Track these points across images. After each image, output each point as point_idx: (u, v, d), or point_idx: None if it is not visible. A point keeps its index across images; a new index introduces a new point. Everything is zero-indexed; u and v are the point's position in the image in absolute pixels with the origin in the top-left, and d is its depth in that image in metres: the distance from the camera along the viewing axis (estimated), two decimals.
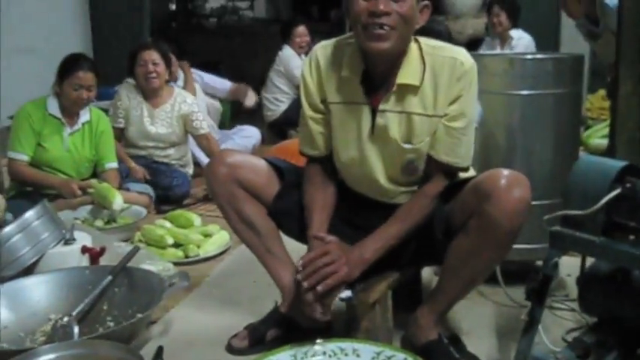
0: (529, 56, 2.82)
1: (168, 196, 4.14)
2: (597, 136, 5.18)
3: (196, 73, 5.22)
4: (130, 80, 4.43)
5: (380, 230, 2.10)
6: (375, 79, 2.10)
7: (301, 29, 6.09)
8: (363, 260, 2.06)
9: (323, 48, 2.20)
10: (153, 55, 4.28)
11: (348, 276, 2.03)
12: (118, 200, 3.48)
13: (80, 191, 3.56)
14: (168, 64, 4.38)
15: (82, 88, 3.65)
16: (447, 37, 5.92)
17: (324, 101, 2.19)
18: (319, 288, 1.98)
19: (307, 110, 2.22)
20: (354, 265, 2.04)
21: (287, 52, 6.04)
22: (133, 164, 4.15)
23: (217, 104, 5.44)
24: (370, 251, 2.07)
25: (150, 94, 4.34)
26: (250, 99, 5.42)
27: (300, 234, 2.26)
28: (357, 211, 2.25)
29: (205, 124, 4.46)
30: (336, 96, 2.16)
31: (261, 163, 2.30)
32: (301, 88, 2.23)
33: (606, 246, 1.78)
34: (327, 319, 2.09)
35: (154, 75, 4.27)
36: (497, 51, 5.69)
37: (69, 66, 3.68)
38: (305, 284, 2.00)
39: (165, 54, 4.37)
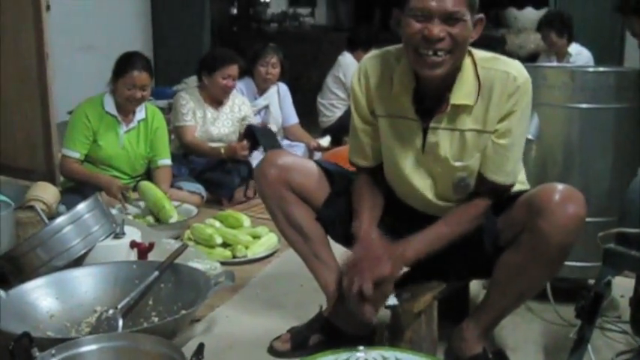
0: (590, 69, 2.76)
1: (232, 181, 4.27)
2: None
3: (281, 86, 5.17)
4: (189, 82, 4.48)
5: (426, 231, 2.06)
6: (427, 96, 2.05)
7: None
8: (405, 258, 2.02)
9: (372, 59, 2.15)
10: (235, 70, 4.43)
11: (390, 273, 1.97)
12: (175, 216, 3.51)
13: (120, 195, 3.61)
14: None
15: (135, 87, 3.68)
16: (502, 42, 5.82)
17: (372, 113, 2.16)
18: (363, 285, 1.93)
19: (357, 121, 2.19)
20: (395, 262, 1.99)
21: (348, 60, 5.98)
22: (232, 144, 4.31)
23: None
24: (413, 250, 2.03)
25: (215, 100, 4.47)
26: (325, 141, 5.35)
27: (348, 240, 2.23)
28: (405, 223, 2.20)
29: None
30: (386, 110, 2.12)
31: (311, 166, 2.28)
32: (351, 99, 2.20)
33: None
34: (373, 321, 2.06)
35: (232, 90, 4.47)
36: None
37: (124, 65, 3.72)
38: (347, 282, 1.97)
39: (242, 68, 4.54)
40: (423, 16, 1.90)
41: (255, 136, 4.45)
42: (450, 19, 1.89)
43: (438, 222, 2.08)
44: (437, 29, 1.88)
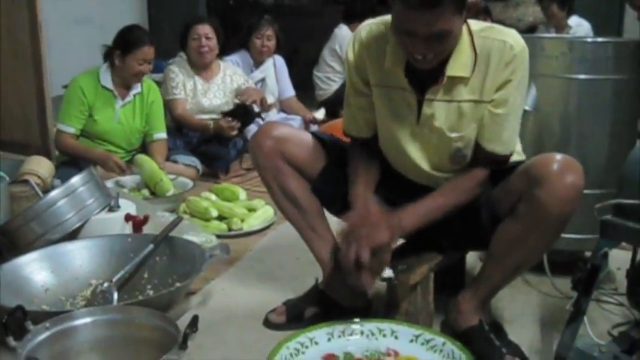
0: (589, 39, 2.73)
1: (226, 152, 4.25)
2: None
3: (277, 59, 5.14)
4: (182, 55, 4.47)
5: (423, 201, 2.04)
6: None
7: None
8: (402, 227, 2.00)
9: (367, 27, 2.12)
10: (206, 29, 4.38)
11: (388, 240, 1.95)
12: (171, 189, 3.49)
13: (118, 169, 3.63)
14: (219, 38, 4.45)
15: (145, 62, 3.70)
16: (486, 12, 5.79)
17: (367, 83, 2.13)
18: (360, 253, 1.90)
19: (351, 91, 2.18)
20: (393, 229, 1.97)
21: (344, 32, 5.94)
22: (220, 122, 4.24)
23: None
24: (409, 219, 2.01)
25: (201, 68, 4.45)
26: (320, 114, 5.32)
27: (344, 212, 2.22)
28: (401, 193, 2.19)
29: None
30: (379, 80, 2.10)
31: (307, 137, 2.26)
32: (346, 68, 2.18)
33: None
34: (369, 292, 2.05)
35: (206, 49, 4.37)
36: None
37: (134, 40, 3.70)
38: (344, 250, 1.95)
39: (217, 28, 4.44)
40: (409, 33, 1.86)
41: (245, 114, 4.38)
42: (436, 37, 1.84)
43: (435, 192, 2.07)
44: (423, 46, 1.86)
